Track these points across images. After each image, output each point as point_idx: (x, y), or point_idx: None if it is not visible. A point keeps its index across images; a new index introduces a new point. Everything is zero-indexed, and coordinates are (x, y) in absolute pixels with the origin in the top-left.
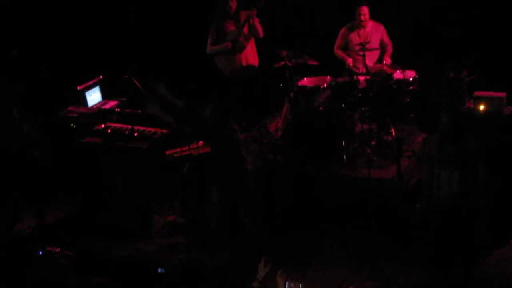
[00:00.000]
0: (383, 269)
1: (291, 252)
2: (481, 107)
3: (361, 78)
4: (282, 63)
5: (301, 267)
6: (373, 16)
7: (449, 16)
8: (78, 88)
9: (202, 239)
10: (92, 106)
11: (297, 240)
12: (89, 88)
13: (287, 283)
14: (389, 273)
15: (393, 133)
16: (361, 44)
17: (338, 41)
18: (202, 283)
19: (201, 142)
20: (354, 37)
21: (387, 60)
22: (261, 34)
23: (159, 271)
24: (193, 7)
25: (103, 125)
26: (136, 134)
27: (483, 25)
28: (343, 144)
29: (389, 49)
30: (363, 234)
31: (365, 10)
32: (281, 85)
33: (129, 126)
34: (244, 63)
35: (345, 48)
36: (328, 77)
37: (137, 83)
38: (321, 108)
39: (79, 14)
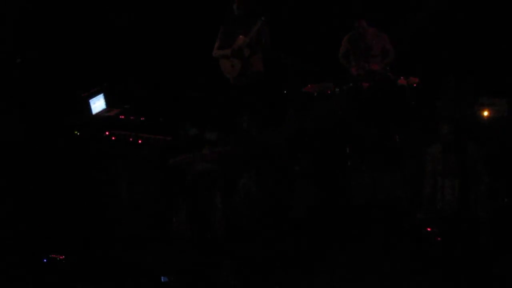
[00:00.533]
0: (389, 276)
1: (296, 260)
2: (485, 113)
3: (365, 84)
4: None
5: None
6: (375, 25)
7: (452, 23)
8: (82, 95)
9: (208, 246)
10: (96, 113)
11: (303, 248)
12: (93, 95)
13: None
14: (393, 280)
15: (397, 140)
16: (362, 52)
17: (342, 49)
18: None
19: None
20: (356, 45)
21: (374, 66)
22: (269, 45)
23: (162, 280)
24: (198, 12)
25: (107, 132)
26: (140, 141)
27: (487, 31)
28: (348, 150)
29: (390, 56)
30: (368, 241)
31: (361, 23)
32: (284, 91)
33: (133, 133)
34: (249, 69)
35: (348, 55)
36: (332, 83)
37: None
38: (325, 114)
39: (82, 21)
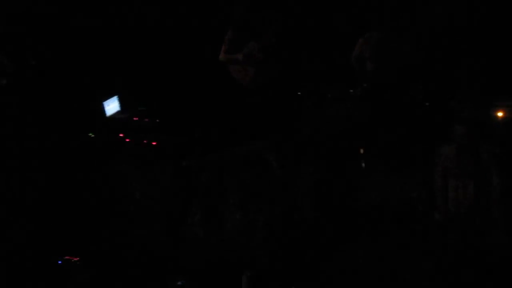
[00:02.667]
0: (404, 278)
1: (309, 263)
2: (499, 114)
3: (378, 86)
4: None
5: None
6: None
7: (467, 24)
8: (96, 97)
9: (222, 247)
10: (110, 116)
11: (314, 252)
12: (107, 97)
13: None
14: (409, 281)
15: (411, 141)
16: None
17: (356, 51)
18: None
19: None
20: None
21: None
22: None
23: (179, 283)
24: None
25: (121, 135)
26: (154, 143)
27: (502, 32)
28: (362, 151)
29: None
30: (383, 242)
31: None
32: (299, 93)
33: (147, 135)
34: (262, 73)
35: (362, 58)
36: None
37: None
38: (339, 116)
39: (95, 22)
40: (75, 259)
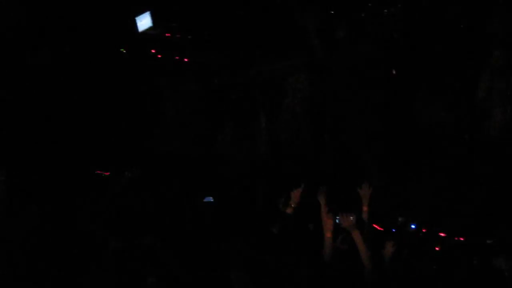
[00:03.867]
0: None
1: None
2: None
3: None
4: None
5: None
6: None
7: None
8: (129, 14)
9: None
10: (142, 31)
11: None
12: (139, 13)
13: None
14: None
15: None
16: None
17: None
18: None
19: None
20: None
21: None
22: None
23: (206, 199)
24: None
25: (153, 51)
26: (186, 59)
27: None
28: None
29: None
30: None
31: None
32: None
33: (179, 52)
34: None
35: None
36: None
37: None
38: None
39: None
40: (106, 173)
